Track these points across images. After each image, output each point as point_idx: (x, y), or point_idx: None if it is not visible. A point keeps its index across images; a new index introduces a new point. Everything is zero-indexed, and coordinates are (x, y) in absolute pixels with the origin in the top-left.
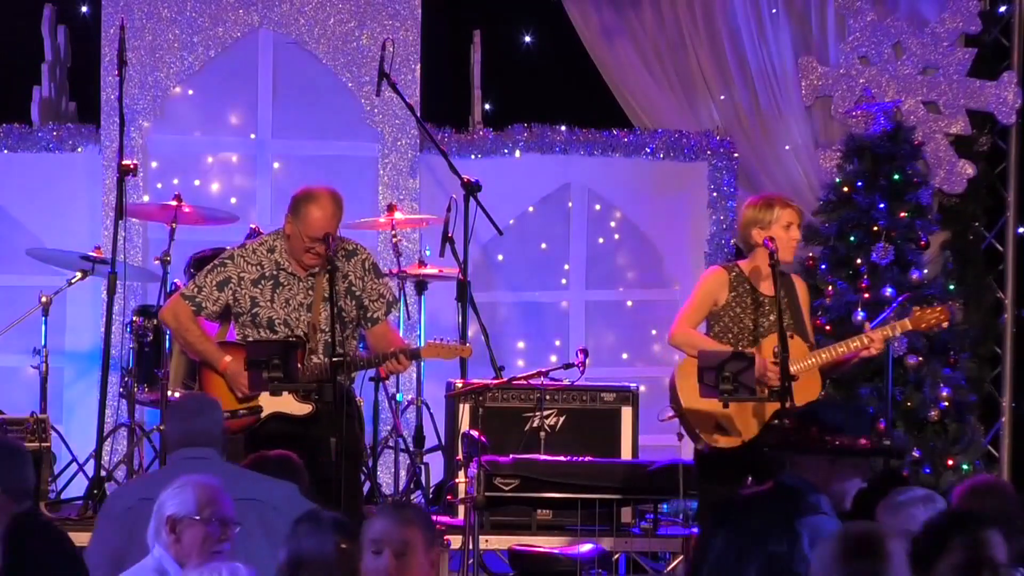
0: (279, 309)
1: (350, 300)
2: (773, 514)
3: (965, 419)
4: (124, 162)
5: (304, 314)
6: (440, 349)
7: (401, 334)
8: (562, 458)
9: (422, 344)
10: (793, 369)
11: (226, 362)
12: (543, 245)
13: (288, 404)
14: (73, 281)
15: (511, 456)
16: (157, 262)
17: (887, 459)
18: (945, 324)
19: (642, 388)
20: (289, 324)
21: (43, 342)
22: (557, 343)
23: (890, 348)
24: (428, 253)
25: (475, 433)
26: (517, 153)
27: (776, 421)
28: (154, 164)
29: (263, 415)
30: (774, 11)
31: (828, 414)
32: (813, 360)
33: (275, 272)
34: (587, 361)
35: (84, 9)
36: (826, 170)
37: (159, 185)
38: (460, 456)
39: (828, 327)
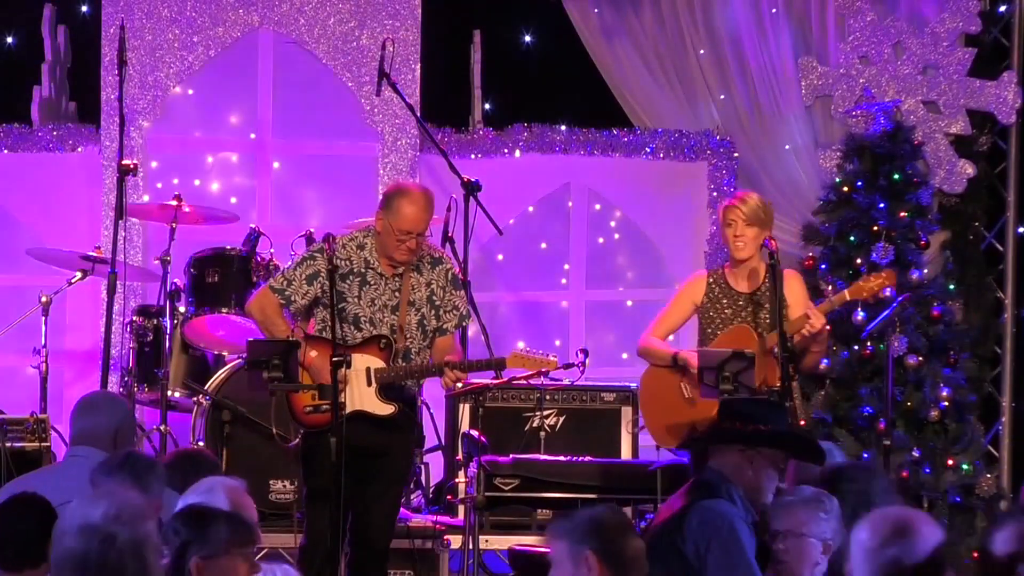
0: (365, 307)
1: (431, 309)
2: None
3: (965, 419)
4: (124, 162)
5: (388, 315)
6: (525, 361)
7: None
8: (562, 458)
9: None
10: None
11: (311, 357)
12: (543, 245)
13: (372, 403)
14: (73, 281)
15: (511, 456)
16: (157, 262)
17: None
18: (888, 287)
19: None
20: (374, 323)
21: (43, 342)
22: (557, 343)
23: (890, 348)
24: None
25: (475, 433)
26: (517, 153)
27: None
28: (154, 164)
29: (346, 412)
30: (774, 11)
31: (740, 404)
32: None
33: (363, 270)
34: (587, 361)
35: (84, 9)
36: (826, 170)
37: (159, 185)
38: (460, 456)
39: (828, 327)
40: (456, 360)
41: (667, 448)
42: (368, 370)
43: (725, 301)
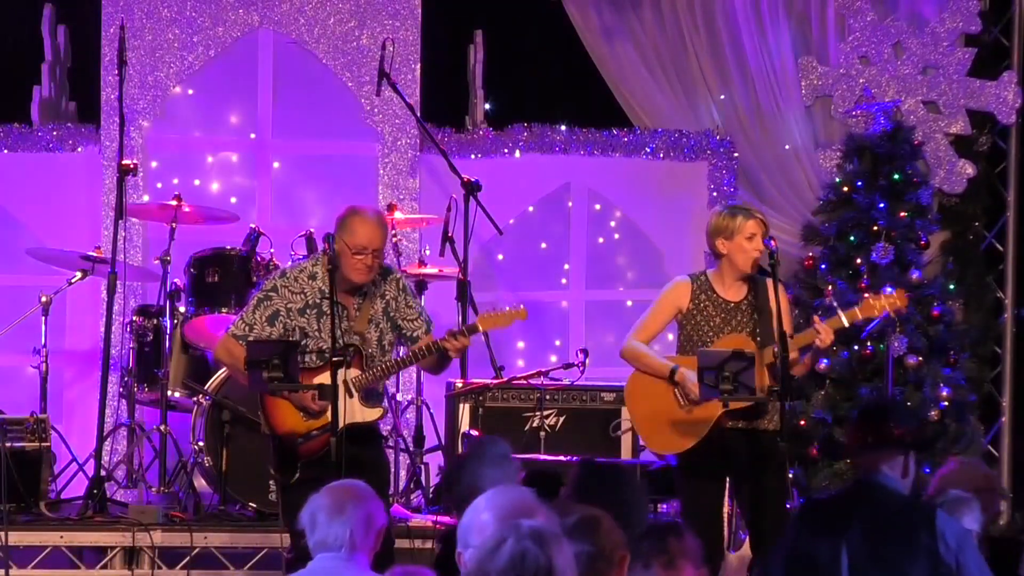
0: (327, 338)
1: (387, 322)
2: (898, 512)
3: (965, 419)
4: (124, 162)
5: (352, 338)
6: (496, 318)
7: None
8: (562, 458)
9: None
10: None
11: (305, 395)
12: (543, 245)
13: (360, 412)
14: (73, 281)
15: None
16: (157, 262)
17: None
18: (902, 307)
19: None
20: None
21: (43, 342)
22: (557, 343)
23: (890, 348)
24: (428, 253)
25: (475, 433)
26: (517, 153)
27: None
28: (154, 164)
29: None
30: (774, 11)
31: (898, 409)
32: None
33: (318, 300)
34: (587, 361)
35: (84, 9)
36: (826, 170)
37: (159, 185)
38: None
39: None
40: (432, 340)
41: (658, 453)
42: (346, 383)
43: (713, 309)
